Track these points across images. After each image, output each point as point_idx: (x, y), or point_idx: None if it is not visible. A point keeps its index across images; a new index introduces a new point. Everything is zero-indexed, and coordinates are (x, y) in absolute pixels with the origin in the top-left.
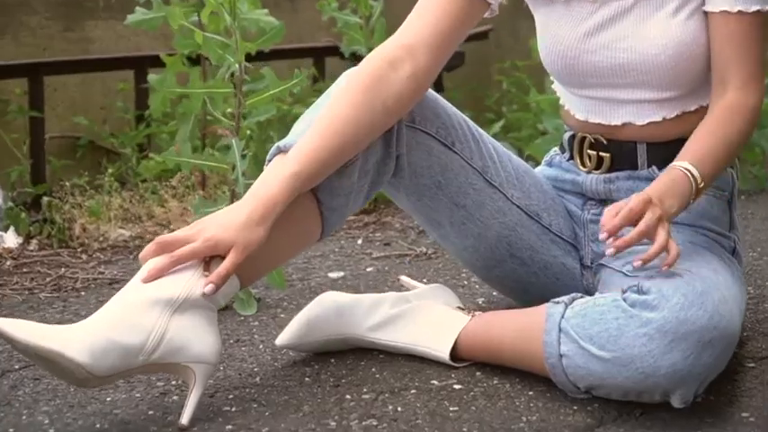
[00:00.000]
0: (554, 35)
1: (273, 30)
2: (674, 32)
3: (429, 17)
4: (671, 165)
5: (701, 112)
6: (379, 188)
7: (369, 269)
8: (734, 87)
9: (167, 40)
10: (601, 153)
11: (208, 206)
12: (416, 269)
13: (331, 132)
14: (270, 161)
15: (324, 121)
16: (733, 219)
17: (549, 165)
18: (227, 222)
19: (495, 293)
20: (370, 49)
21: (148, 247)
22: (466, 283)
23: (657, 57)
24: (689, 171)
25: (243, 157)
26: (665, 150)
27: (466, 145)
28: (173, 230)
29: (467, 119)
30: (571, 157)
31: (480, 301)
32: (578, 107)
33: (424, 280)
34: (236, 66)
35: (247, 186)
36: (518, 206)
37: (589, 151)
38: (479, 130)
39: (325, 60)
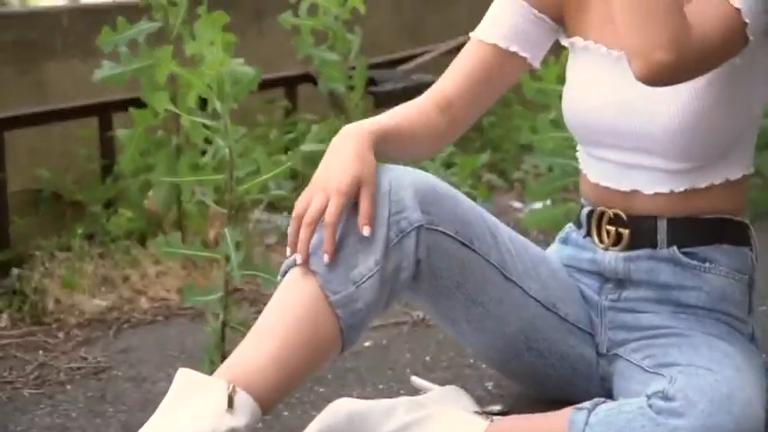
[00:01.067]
0: (578, 88)
1: (249, 79)
2: (684, 99)
3: (466, 71)
4: None
5: (715, 191)
6: (398, 297)
7: (366, 343)
8: None
9: (131, 82)
10: (620, 229)
11: (199, 294)
12: (416, 342)
13: (398, 116)
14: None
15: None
16: (752, 302)
17: (565, 242)
18: (337, 166)
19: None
20: (349, 87)
21: (291, 236)
22: (471, 361)
23: (664, 125)
24: None
25: (237, 247)
26: (687, 228)
27: (483, 241)
28: (151, 298)
29: (483, 211)
30: (588, 234)
31: (489, 385)
32: (592, 169)
33: (433, 376)
34: (227, 150)
35: (243, 277)
36: (535, 299)
37: (608, 227)
38: (495, 221)
39: (298, 88)
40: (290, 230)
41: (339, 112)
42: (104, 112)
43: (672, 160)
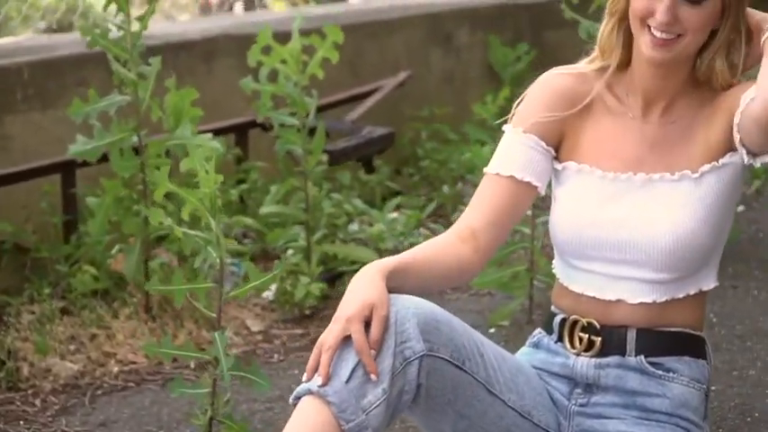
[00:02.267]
0: (569, 203)
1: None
2: (680, 218)
3: (486, 204)
4: None
5: (686, 302)
6: (399, 416)
7: None
8: None
9: (91, 131)
10: (592, 337)
11: (188, 387)
12: None
13: (418, 251)
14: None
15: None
16: (707, 409)
17: (537, 347)
18: (351, 298)
19: None
20: (306, 151)
21: (312, 361)
22: None
23: (658, 242)
24: None
25: (226, 353)
26: (654, 340)
27: (473, 361)
28: (120, 361)
29: (470, 329)
30: (559, 339)
31: None
32: (576, 280)
33: None
34: (217, 261)
35: (231, 378)
36: (513, 409)
37: (580, 334)
38: (481, 338)
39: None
40: (311, 358)
41: (292, 168)
42: (68, 170)
43: (660, 272)
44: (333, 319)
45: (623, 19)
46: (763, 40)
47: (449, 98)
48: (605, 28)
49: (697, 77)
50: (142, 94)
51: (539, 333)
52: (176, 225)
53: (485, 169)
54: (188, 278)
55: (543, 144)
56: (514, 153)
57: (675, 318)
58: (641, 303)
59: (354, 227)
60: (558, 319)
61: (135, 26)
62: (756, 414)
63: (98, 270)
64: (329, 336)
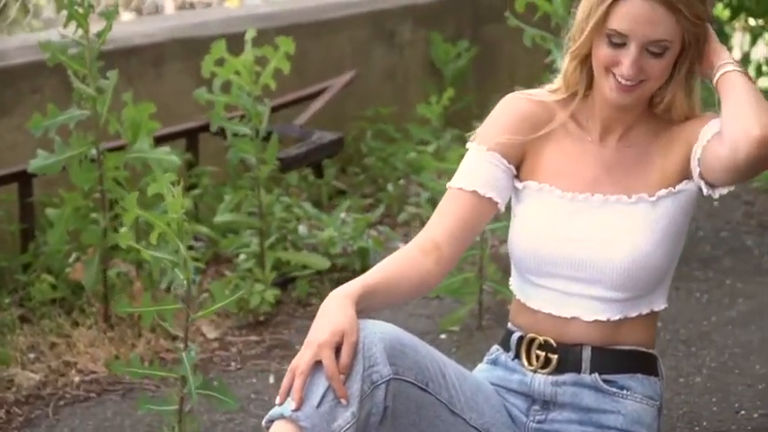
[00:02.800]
0: (529, 220)
1: (168, 165)
2: (635, 240)
3: (449, 217)
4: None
5: (638, 321)
6: None
7: None
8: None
9: (49, 144)
10: (549, 354)
11: (154, 403)
12: None
13: (382, 271)
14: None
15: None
16: (660, 426)
17: (494, 364)
18: (321, 323)
19: None
20: (259, 159)
21: (284, 385)
22: None
23: (613, 261)
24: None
25: (194, 370)
26: (608, 358)
27: (436, 382)
28: (80, 370)
29: (434, 351)
30: (516, 357)
31: None
32: (533, 297)
33: None
34: (185, 282)
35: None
36: (474, 427)
37: (537, 351)
38: (443, 358)
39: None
40: (284, 382)
41: (242, 173)
42: (25, 179)
43: (614, 291)
44: (304, 343)
45: (586, 59)
46: (714, 81)
47: (391, 96)
48: (568, 67)
49: (655, 107)
50: (100, 109)
51: (496, 350)
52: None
53: (448, 184)
54: (154, 297)
55: (505, 162)
56: (478, 169)
57: (628, 336)
58: (596, 321)
59: (303, 229)
60: (515, 336)
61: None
62: (705, 423)
63: (56, 279)
64: (301, 361)
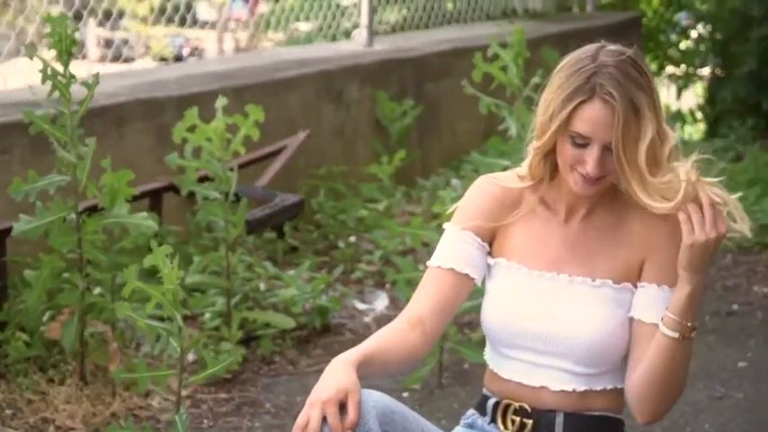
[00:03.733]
0: (498, 296)
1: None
2: (599, 320)
3: (430, 294)
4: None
5: (604, 394)
6: None
7: None
8: None
9: (13, 204)
10: (524, 419)
11: None
12: None
13: (376, 341)
14: None
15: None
16: None
17: (471, 427)
18: (326, 383)
19: None
20: (230, 223)
21: None
22: None
23: (580, 337)
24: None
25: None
26: (579, 422)
27: None
28: (59, 427)
29: (418, 418)
30: (492, 421)
31: None
32: (504, 367)
33: None
34: (178, 350)
35: None
36: None
37: (513, 416)
38: (427, 424)
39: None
40: None
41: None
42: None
43: (579, 366)
44: (307, 403)
45: (549, 154)
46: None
47: (340, 153)
48: (533, 161)
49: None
50: (80, 175)
51: (472, 414)
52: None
53: (428, 262)
54: (126, 357)
55: (479, 240)
56: (454, 248)
57: (596, 404)
58: (562, 391)
59: (261, 286)
60: (491, 402)
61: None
62: None
63: (30, 337)
64: (311, 419)
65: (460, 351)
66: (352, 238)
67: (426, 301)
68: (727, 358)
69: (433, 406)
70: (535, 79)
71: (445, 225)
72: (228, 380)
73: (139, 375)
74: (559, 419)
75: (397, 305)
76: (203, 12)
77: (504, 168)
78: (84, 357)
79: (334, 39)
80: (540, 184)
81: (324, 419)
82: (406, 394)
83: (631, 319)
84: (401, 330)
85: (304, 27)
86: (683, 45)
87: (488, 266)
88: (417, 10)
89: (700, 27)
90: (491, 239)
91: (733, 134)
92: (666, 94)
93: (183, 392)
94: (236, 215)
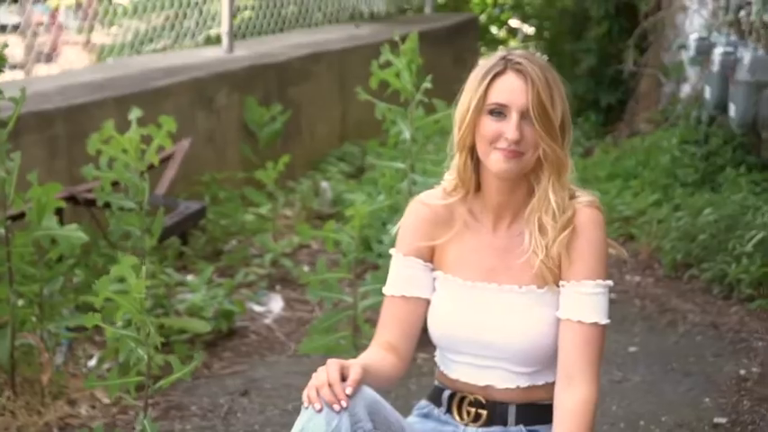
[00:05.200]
0: (441, 306)
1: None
2: (530, 323)
3: (391, 322)
4: None
5: (548, 387)
6: None
7: None
8: (582, 383)
9: None
10: (479, 410)
11: None
12: None
13: (365, 359)
14: None
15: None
16: None
17: (427, 417)
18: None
19: None
20: (146, 231)
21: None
22: None
23: (515, 343)
24: None
25: None
26: (530, 411)
27: None
28: None
29: (394, 411)
30: (448, 411)
31: None
32: (452, 369)
33: None
34: (145, 358)
35: None
36: None
37: (468, 408)
38: (400, 416)
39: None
40: (309, 396)
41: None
42: None
43: (519, 367)
44: (313, 376)
45: (471, 151)
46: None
47: (212, 158)
48: (459, 162)
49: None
50: (8, 189)
51: (427, 405)
52: None
53: (383, 290)
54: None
55: (421, 262)
56: (399, 275)
57: (541, 395)
58: (506, 388)
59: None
60: (446, 393)
61: None
62: None
63: None
64: (320, 376)
65: None
66: (235, 242)
67: (390, 328)
68: (617, 344)
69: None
70: (426, 84)
71: (391, 251)
72: (148, 385)
73: (111, 383)
74: (512, 410)
75: (292, 306)
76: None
77: (399, 171)
78: (14, 369)
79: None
80: (467, 197)
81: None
82: None
83: (557, 318)
84: (380, 353)
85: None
86: (512, 44)
87: (433, 279)
88: (265, 15)
89: (526, 27)
90: (431, 256)
91: (577, 130)
92: None
93: (107, 400)
94: (155, 224)
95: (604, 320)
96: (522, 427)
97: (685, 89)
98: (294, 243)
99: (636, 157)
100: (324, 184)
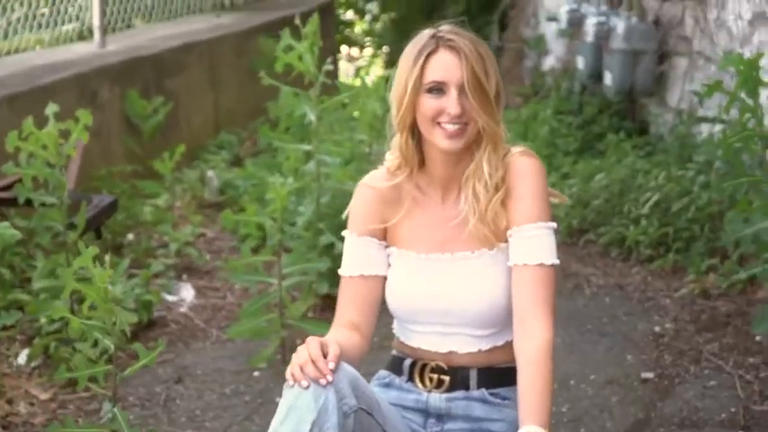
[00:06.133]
0: (398, 280)
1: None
2: (485, 287)
3: (350, 301)
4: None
5: (508, 347)
6: None
7: None
8: (535, 324)
9: None
10: (441, 376)
11: None
12: None
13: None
14: None
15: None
16: None
17: (388, 386)
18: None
19: None
20: (66, 226)
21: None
22: None
23: (473, 307)
24: None
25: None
26: (491, 375)
27: (376, 409)
28: None
29: (369, 386)
30: (410, 379)
31: None
32: (412, 339)
33: None
34: (112, 347)
35: None
36: None
37: (430, 374)
38: (374, 390)
39: None
40: (293, 372)
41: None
42: None
43: (480, 330)
44: (294, 355)
45: (413, 128)
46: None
47: (98, 153)
48: (402, 141)
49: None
50: None
51: (387, 375)
52: None
53: (339, 272)
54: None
55: (376, 241)
56: (354, 255)
57: (502, 358)
58: (468, 353)
59: None
60: (407, 362)
61: None
62: None
63: None
64: (302, 354)
65: (301, 327)
66: (132, 236)
67: (351, 308)
68: None
69: (280, 383)
70: (327, 66)
71: (344, 233)
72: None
73: (80, 373)
74: (473, 374)
75: (203, 294)
76: None
77: (307, 153)
78: None
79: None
80: (412, 173)
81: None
82: (257, 374)
83: (509, 268)
84: (345, 332)
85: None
86: (360, 27)
87: (388, 255)
88: (126, 8)
89: (371, 7)
90: (384, 234)
91: None
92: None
93: (44, 396)
94: (78, 218)
95: (550, 260)
96: (483, 390)
97: (548, 62)
98: (192, 233)
99: (515, 130)
100: (210, 174)
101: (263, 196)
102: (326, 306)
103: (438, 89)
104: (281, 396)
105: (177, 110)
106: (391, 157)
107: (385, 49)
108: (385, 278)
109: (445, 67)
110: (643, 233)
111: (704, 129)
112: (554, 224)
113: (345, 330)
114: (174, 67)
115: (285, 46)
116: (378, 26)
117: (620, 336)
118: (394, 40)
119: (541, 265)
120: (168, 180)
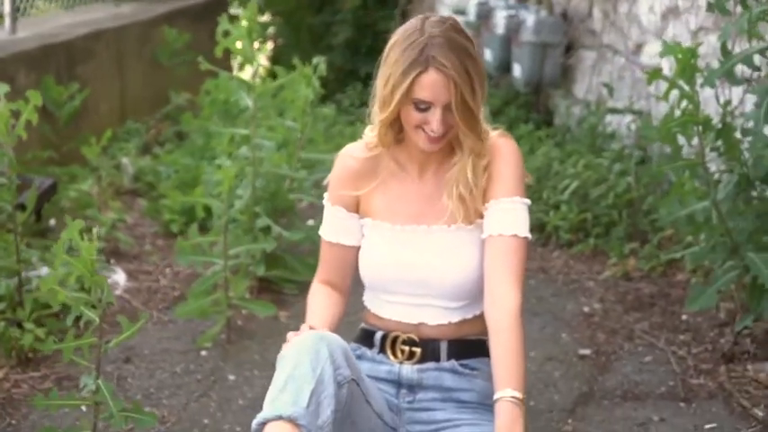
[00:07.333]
0: (373, 249)
1: None
2: (460, 260)
3: (328, 262)
4: (500, 397)
5: (478, 320)
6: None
7: None
8: (504, 293)
9: None
10: (412, 348)
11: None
12: None
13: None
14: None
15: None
16: None
17: (359, 358)
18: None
19: None
20: (15, 207)
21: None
22: None
23: (446, 280)
24: (515, 398)
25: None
26: (461, 347)
27: (362, 381)
28: None
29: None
30: (381, 351)
31: None
32: (383, 309)
33: None
34: (97, 320)
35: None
36: (376, 413)
37: (402, 346)
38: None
39: None
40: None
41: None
42: None
43: (452, 302)
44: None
45: (395, 121)
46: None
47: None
48: (381, 131)
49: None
50: None
51: (357, 347)
52: None
53: (320, 233)
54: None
55: (344, 211)
56: (331, 222)
57: (472, 330)
58: (439, 324)
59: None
60: (378, 335)
61: None
62: None
63: None
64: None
65: (246, 307)
66: (53, 221)
67: (328, 268)
68: None
69: (237, 359)
70: (265, 51)
71: (324, 197)
72: (30, 359)
73: (66, 345)
74: (444, 346)
75: (135, 277)
76: None
77: (244, 137)
78: None
79: None
80: (389, 148)
81: None
82: (204, 353)
83: (483, 241)
84: (328, 293)
85: None
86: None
87: (361, 226)
88: None
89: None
90: (357, 205)
91: (347, 100)
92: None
93: None
94: (28, 199)
95: (524, 233)
96: (453, 361)
97: None
98: (118, 218)
99: None
100: (124, 161)
101: (186, 182)
102: (264, 288)
103: (424, 107)
104: (232, 374)
105: (88, 97)
106: (371, 134)
107: (277, 42)
108: (357, 248)
109: (432, 88)
110: (563, 218)
111: (613, 120)
112: (528, 201)
113: (326, 289)
114: (85, 55)
115: (223, 31)
116: (263, 19)
117: (550, 316)
118: (282, 34)
119: (515, 236)
120: (92, 165)
